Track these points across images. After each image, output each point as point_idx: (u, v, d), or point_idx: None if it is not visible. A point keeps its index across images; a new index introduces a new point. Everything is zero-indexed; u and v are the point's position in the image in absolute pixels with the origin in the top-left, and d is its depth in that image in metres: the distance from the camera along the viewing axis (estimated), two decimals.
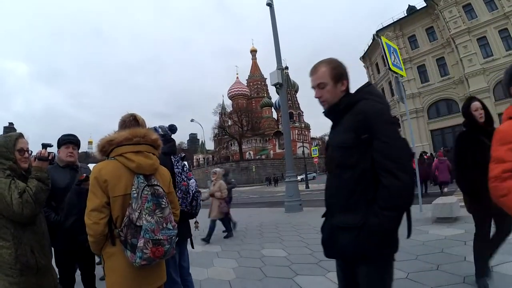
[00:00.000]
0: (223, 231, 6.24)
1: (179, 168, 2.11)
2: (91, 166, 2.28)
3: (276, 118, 66.22)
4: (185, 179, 2.11)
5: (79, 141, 2.38)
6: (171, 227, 1.40)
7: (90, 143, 74.51)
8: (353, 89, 1.39)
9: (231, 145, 67.20)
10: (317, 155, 29.75)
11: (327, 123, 1.91)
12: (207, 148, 67.17)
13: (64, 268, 2.21)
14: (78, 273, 2.36)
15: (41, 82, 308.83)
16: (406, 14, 28.56)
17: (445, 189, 9.59)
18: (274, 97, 60.42)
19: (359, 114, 1.25)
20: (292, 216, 7.78)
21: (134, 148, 1.44)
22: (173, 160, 2.11)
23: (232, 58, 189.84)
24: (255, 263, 3.87)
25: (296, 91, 66.02)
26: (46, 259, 1.74)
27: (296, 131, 55.99)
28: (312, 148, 39.34)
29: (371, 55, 33.87)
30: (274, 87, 9.60)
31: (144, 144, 1.48)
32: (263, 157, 58.24)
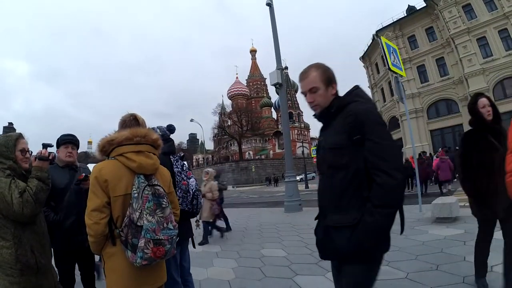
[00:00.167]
0: (220, 236, 6.21)
1: (178, 168, 2.11)
2: (90, 166, 2.28)
3: (275, 118, 66.20)
4: (185, 178, 2.12)
5: (78, 141, 2.38)
6: (172, 227, 1.40)
7: (89, 143, 74.42)
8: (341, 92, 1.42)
9: (231, 145, 67.18)
10: None
11: None
12: (206, 148, 67.16)
13: (64, 268, 2.21)
14: (78, 273, 2.36)
15: (41, 82, 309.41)
16: (405, 14, 28.54)
17: (449, 187, 9.65)
18: (274, 97, 60.56)
19: (351, 116, 1.28)
20: (291, 216, 7.78)
21: (135, 148, 1.44)
22: (172, 159, 2.12)
23: (232, 58, 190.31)
24: (255, 263, 3.87)
25: (296, 91, 65.84)
26: (46, 258, 1.74)
27: (296, 131, 55.96)
28: (311, 148, 39.25)
29: (371, 55, 33.86)
30: (273, 87, 9.61)
31: (144, 144, 1.48)
32: (263, 157, 58.23)
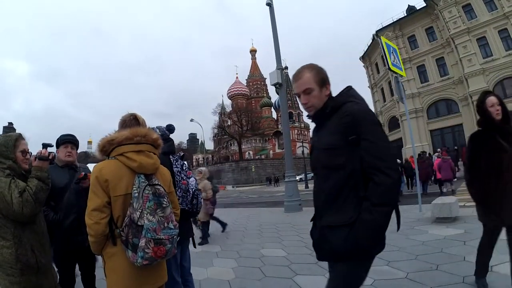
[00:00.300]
0: (222, 231, 6.25)
1: (178, 167, 2.11)
2: (90, 166, 2.28)
3: (275, 118, 66.19)
4: (184, 178, 2.12)
5: (77, 141, 2.38)
6: (173, 227, 1.40)
7: (89, 143, 74.44)
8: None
9: (231, 145, 67.18)
10: None
11: None
12: (206, 148, 67.23)
13: (64, 268, 2.21)
14: (78, 273, 2.36)
15: (41, 82, 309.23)
16: (405, 14, 28.55)
17: (452, 187, 9.66)
18: (274, 97, 60.56)
19: (346, 116, 1.29)
20: (291, 216, 7.78)
21: (135, 148, 1.44)
22: (172, 159, 2.12)
23: (232, 58, 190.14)
24: (255, 263, 3.87)
25: None
26: (46, 258, 1.74)
27: (296, 131, 56.04)
28: None
29: (371, 55, 33.86)
30: (273, 87, 9.62)
31: (145, 144, 1.48)
32: (263, 157, 58.23)
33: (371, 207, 1.20)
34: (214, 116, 65.21)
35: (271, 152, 61.57)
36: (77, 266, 2.30)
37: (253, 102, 70.42)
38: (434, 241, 3.93)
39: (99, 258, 1.55)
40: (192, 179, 2.17)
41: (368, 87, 36.24)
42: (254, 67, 74.01)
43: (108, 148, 1.44)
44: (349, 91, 1.41)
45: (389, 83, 28.39)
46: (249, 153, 63.05)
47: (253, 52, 73.97)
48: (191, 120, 36.81)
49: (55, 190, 2.03)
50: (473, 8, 23.92)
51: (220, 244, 5.23)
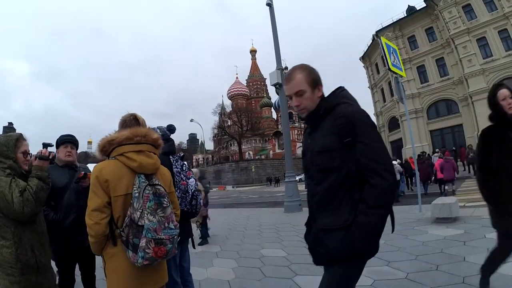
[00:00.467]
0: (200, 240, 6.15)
1: (178, 168, 2.11)
2: (90, 166, 2.28)
3: (275, 118, 66.18)
4: (184, 179, 2.12)
5: (77, 141, 2.39)
6: (173, 227, 1.40)
7: (89, 143, 74.37)
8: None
9: (231, 145, 67.15)
10: None
11: None
12: (206, 148, 67.22)
13: (64, 268, 2.21)
14: (78, 273, 2.36)
15: (41, 82, 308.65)
16: (405, 15, 28.61)
17: (453, 187, 9.67)
18: (274, 97, 60.55)
19: (340, 118, 1.27)
20: (291, 216, 7.78)
21: (135, 148, 1.44)
22: (172, 159, 2.12)
23: (232, 58, 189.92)
24: (255, 263, 3.87)
25: None
26: (46, 258, 1.74)
27: (296, 131, 55.98)
28: None
29: (371, 55, 33.90)
30: (273, 87, 9.63)
31: (145, 144, 1.48)
32: (263, 157, 58.22)
33: (367, 210, 1.19)
34: (214, 116, 65.22)
35: (271, 152, 61.55)
36: (77, 266, 2.31)
37: (253, 102, 70.40)
38: (434, 241, 3.93)
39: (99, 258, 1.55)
40: (191, 180, 2.17)
41: (368, 87, 36.29)
42: (254, 67, 74.01)
43: (108, 148, 1.44)
44: (341, 92, 1.39)
45: (389, 83, 28.42)
46: (249, 153, 63.03)
47: (253, 52, 73.97)
48: (191, 120, 36.91)
49: (55, 189, 2.03)
50: (473, 8, 23.96)
51: (220, 244, 5.23)
